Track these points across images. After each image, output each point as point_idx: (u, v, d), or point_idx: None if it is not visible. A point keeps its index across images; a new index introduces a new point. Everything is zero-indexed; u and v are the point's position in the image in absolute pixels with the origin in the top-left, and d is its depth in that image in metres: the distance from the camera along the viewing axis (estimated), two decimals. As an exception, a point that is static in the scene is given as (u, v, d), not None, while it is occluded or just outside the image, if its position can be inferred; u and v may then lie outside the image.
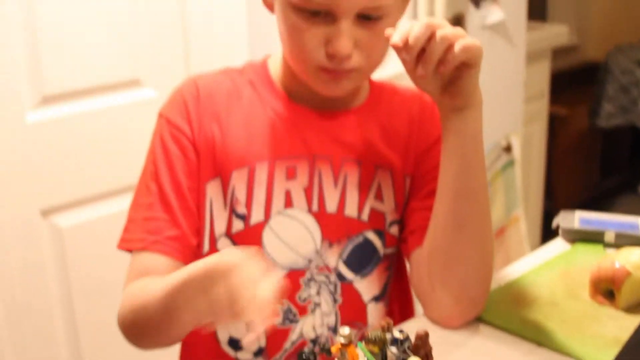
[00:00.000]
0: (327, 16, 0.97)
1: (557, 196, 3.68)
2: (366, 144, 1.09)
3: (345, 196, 1.08)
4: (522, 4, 2.47)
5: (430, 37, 0.91)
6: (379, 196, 1.09)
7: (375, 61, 1.03)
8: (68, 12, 1.63)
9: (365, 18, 0.97)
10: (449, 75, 0.96)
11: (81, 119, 1.70)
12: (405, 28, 0.92)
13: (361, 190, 1.08)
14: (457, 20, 2.17)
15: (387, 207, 1.10)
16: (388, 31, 0.94)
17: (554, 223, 1.25)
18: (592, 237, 1.22)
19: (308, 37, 0.98)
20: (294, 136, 1.08)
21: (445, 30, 0.91)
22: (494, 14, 2.26)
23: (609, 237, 1.20)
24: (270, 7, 1.06)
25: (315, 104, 1.09)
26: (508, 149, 2.53)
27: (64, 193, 1.70)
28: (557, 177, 3.62)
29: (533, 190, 3.18)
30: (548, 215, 3.63)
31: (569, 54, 3.94)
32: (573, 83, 3.88)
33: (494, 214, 2.53)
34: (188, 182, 1.05)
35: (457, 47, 0.90)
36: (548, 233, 3.57)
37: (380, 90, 1.14)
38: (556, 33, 3.20)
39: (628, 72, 3.36)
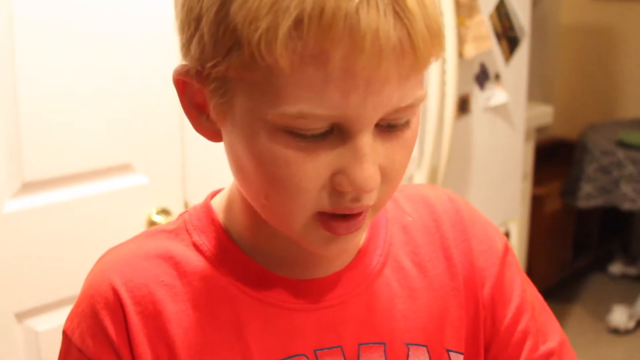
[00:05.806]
0: (334, 135, 0.61)
1: (533, 278, 3.58)
2: (381, 315, 0.76)
3: None
4: (523, 85, 2.44)
5: None
6: None
7: (394, 187, 0.67)
8: (53, 91, 1.46)
9: (390, 127, 0.63)
10: None
11: (65, 208, 1.52)
12: None
13: None
14: (463, 101, 2.09)
15: None
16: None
17: None
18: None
19: (306, 171, 0.61)
20: (280, 332, 0.72)
21: None
22: (497, 96, 2.22)
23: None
24: (212, 134, 0.70)
25: (293, 268, 0.74)
26: (506, 235, 2.43)
27: (41, 294, 1.52)
28: (534, 258, 3.54)
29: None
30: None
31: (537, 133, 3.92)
32: (543, 162, 3.85)
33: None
34: None
35: None
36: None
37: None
38: (540, 113, 3.18)
39: (609, 153, 3.32)
